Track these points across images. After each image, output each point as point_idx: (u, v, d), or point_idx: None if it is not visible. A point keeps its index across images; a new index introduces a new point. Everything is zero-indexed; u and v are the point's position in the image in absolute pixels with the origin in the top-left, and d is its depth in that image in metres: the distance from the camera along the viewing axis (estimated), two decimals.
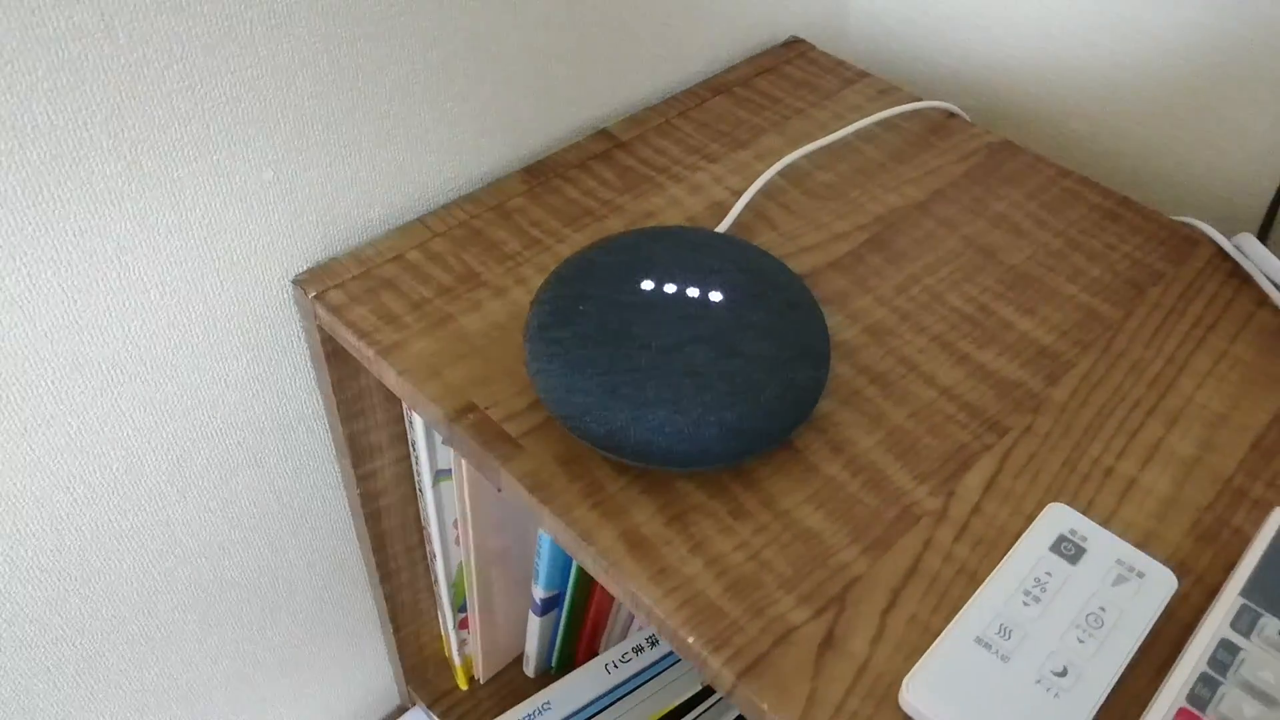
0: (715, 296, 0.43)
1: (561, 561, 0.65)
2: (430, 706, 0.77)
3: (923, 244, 0.54)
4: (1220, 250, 0.55)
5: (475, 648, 0.75)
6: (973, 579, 0.40)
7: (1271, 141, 0.59)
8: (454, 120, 0.53)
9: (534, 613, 0.72)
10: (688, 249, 0.45)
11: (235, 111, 0.44)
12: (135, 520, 0.53)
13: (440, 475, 0.61)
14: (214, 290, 0.49)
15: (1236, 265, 0.54)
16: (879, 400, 0.46)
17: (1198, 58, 0.59)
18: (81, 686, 0.57)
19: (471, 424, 0.44)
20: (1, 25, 0.36)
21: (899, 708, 0.36)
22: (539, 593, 0.69)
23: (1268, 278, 0.52)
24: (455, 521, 0.65)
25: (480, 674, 0.78)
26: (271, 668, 0.68)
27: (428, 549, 0.68)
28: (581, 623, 0.73)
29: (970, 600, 0.38)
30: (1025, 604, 0.38)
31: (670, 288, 0.43)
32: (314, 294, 0.50)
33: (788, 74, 0.67)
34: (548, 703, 0.58)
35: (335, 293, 0.50)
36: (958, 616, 0.38)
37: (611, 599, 0.71)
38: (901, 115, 0.64)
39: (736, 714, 0.63)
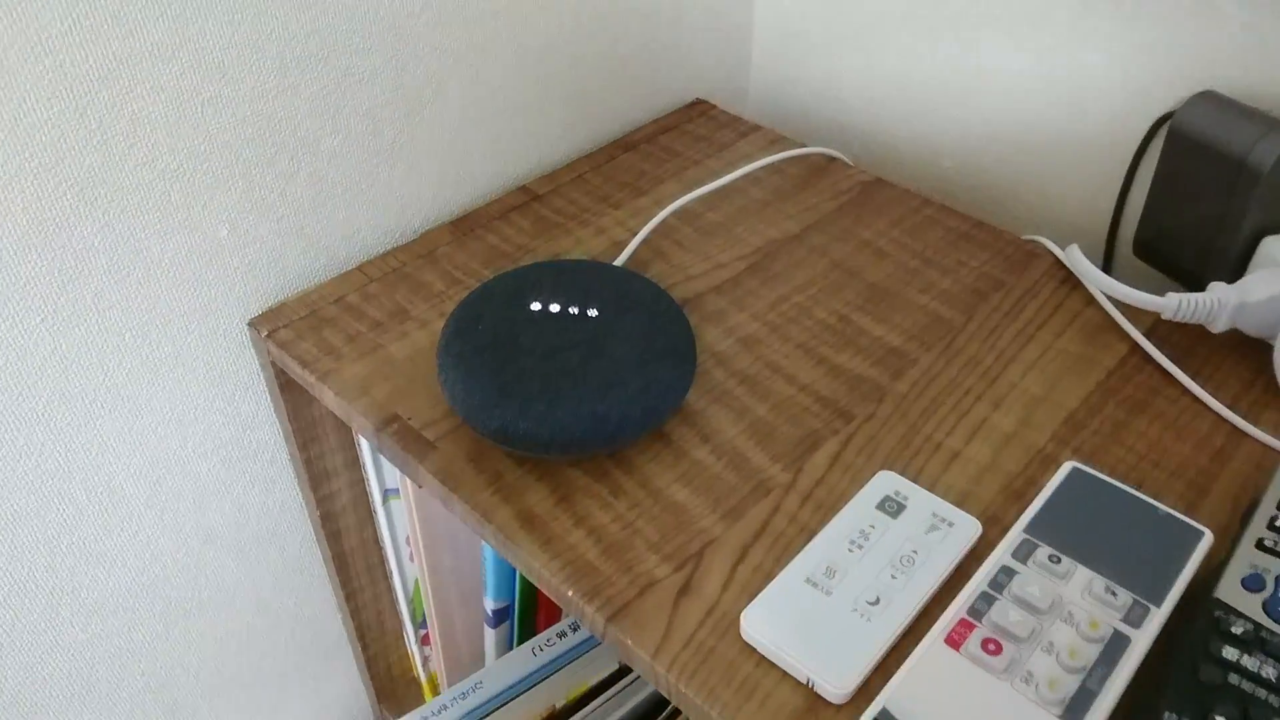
0: (591, 312, 0.51)
1: (507, 571, 0.72)
2: None
3: (795, 268, 0.63)
4: (1058, 261, 0.64)
5: (439, 663, 0.82)
6: (812, 536, 0.47)
7: (1104, 168, 0.67)
8: (386, 183, 0.63)
9: (488, 625, 0.79)
10: (571, 277, 0.53)
11: (192, 179, 0.53)
12: (118, 539, 0.61)
13: (389, 494, 0.69)
14: (180, 332, 0.57)
15: (1070, 273, 0.63)
16: (745, 397, 0.54)
17: (1039, 98, 0.69)
18: (74, 695, 0.64)
19: (395, 432, 0.52)
20: (1, 121, 0.45)
21: (739, 637, 0.43)
22: (489, 604, 0.76)
23: (1091, 282, 0.61)
24: (408, 538, 0.72)
25: (446, 689, 0.84)
26: (251, 684, 0.75)
27: (386, 567, 0.75)
28: (533, 631, 0.80)
29: (803, 549, 0.46)
30: (850, 550, 0.45)
31: (554, 307, 0.51)
32: (266, 333, 0.58)
33: (689, 130, 0.77)
34: (479, 682, 0.65)
35: (284, 331, 0.58)
36: (791, 562, 0.45)
37: (559, 606, 0.78)
38: (786, 161, 0.73)
39: (650, 689, 0.70)
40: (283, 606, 0.74)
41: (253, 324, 0.59)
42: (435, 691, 0.85)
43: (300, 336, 0.58)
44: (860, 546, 0.45)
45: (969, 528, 0.46)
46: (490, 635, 0.80)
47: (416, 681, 0.86)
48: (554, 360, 0.48)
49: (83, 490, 0.57)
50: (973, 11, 0.69)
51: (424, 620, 0.79)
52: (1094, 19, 0.64)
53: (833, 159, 0.73)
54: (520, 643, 0.81)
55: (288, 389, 0.61)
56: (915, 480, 0.50)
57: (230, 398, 0.62)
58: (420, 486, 0.53)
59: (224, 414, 0.62)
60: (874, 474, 0.50)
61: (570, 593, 0.45)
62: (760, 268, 0.63)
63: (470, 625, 0.80)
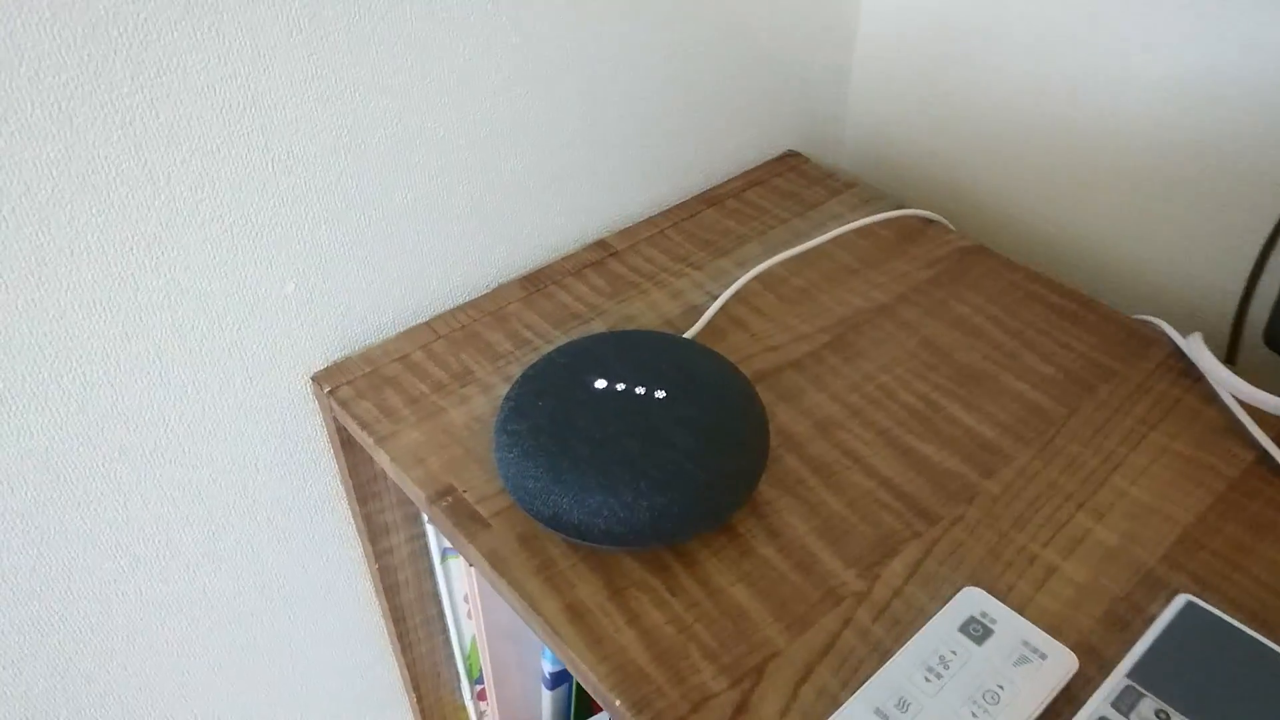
0: (658, 394, 0.48)
1: None
2: None
3: (881, 345, 0.59)
4: (1176, 349, 0.58)
5: (494, 718, 0.79)
6: (884, 656, 0.43)
7: (1233, 243, 0.61)
8: (457, 237, 0.61)
9: (545, 687, 0.76)
10: (640, 351, 0.50)
11: (258, 236, 0.52)
12: (174, 588, 0.60)
13: (448, 553, 0.67)
14: (242, 386, 0.56)
15: (1189, 364, 0.57)
16: (819, 489, 0.50)
17: (1161, 163, 0.63)
18: None
19: (448, 505, 0.50)
20: (66, 177, 0.45)
21: None
22: (547, 667, 0.73)
23: (1215, 378, 0.55)
24: (466, 596, 0.70)
25: None
26: None
27: (443, 622, 0.74)
28: (591, 696, 0.77)
29: (874, 674, 0.42)
30: (927, 679, 0.41)
31: (619, 386, 0.48)
32: (328, 389, 0.57)
33: (777, 186, 0.73)
34: None
35: (346, 389, 0.57)
36: (861, 689, 0.41)
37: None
38: (879, 223, 0.68)
39: None
40: (338, 656, 0.73)
41: (315, 379, 0.58)
42: None
43: (361, 395, 0.57)
44: (939, 676, 0.41)
45: (1063, 662, 0.41)
46: (547, 697, 0.77)
47: None
48: (613, 448, 0.45)
49: (140, 541, 0.57)
50: (1089, 66, 0.64)
51: (480, 677, 0.77)
52: (1226, 76, 0.58)
53: (930, 221, 0.69)
54: (578, 708, 0.78)
55: (348, 445, 0.59)
56: (1004, 599, 0.45)
57: (291, 451, 0.61)
58: (470, 565, 0.50)
59: (284, 467, 0.61)
60: (958, 589, 0.46)
61: (618, 702, 0.42)
62: (844, 342, 0.59)
63: (527, 686, 0.78)
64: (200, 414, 0.55)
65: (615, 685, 0.42)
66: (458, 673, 0.78)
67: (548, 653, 0.71)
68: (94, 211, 0.46)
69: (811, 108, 0.78)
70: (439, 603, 0.73)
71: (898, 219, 0.69)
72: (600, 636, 0.44)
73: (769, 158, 0.77)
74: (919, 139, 0.77)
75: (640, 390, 0.48)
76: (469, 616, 0.71)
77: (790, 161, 0.76)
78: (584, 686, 0.44)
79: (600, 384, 0.49)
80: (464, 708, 0.82)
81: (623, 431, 0.46)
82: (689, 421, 0.47)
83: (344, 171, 0.54)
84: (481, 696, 0.79)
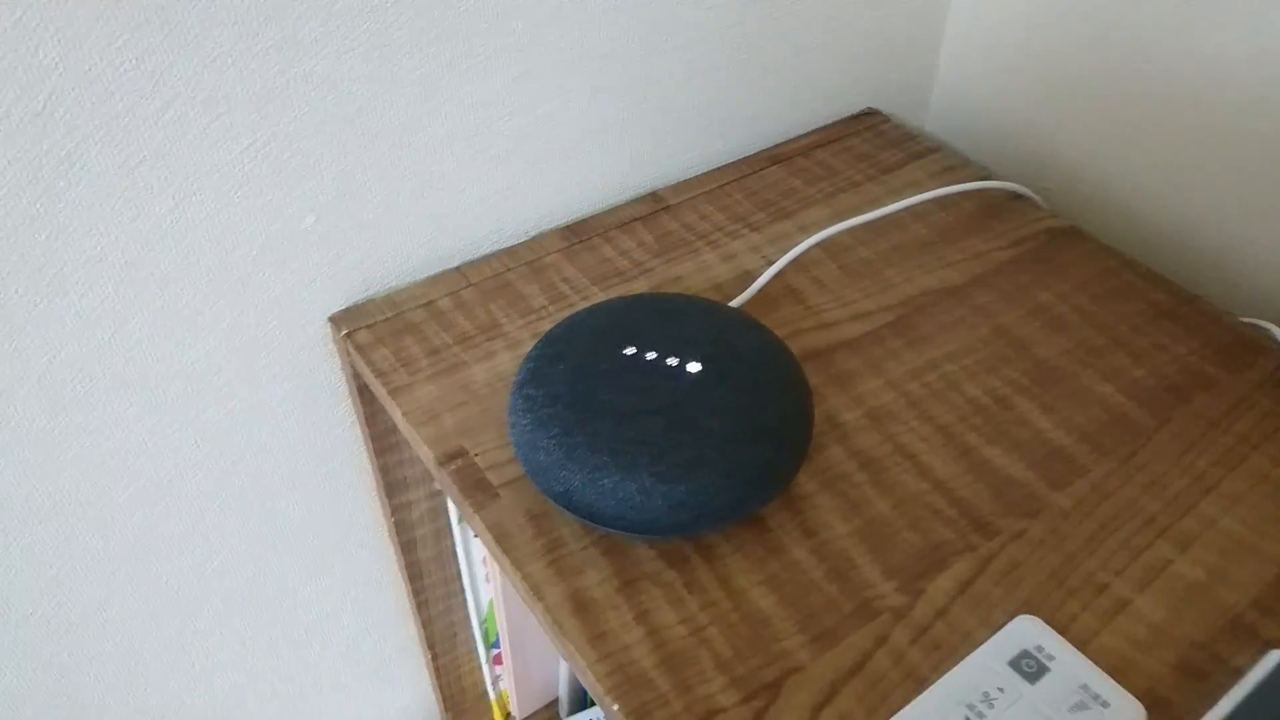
0: (692, 366, 0.43)
1: None
2: None
3: (949, 330, 0.53)
4: None
5: (510, 684, 0.77)
6: (920, 685, 0.38)
7: None
8: (495, 178, 0.56)
9: (563, 658, 0.73)
10: (678, 318, 0.45)
11: (277, 163, 0.48)
12: (177, 528, 0.57)
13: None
14: (254, 323, 0.53)
15: None
16: (865, 486, 0.45)
17: None
18: (123, 683, 0.61)
19: (457, 469, 0.46)
20: (63, 84, 0.41)
21: None
22: None
23: None
24: (484, 559, 0.67)
25: (516, 711, 0.79)
26: (309, 685, 0.72)
27: (461, 582, 0.70)
28: None
29: (907, 705, 0.37)
30: (967, 718, 0.36)
31: (649, 355, 0.43)
32: (345, 332, 0.53)
33: (852, 146, 0.67)
34: None
35: (364, 333, 0.53)
36: None
37: None
38: (961, 194, 0.62)
39: None
40: (350, 611, 0.70)
41: (333, 320, 0.54)
42: (505, 711, 0.80)
43: (380, 341, 0.53)
44: (981, 716, 0.36)
45: (1129, 714, 0.36)
46: (564, 667, 0.74)
47: (485, 698, 0.81)
48: (634, 425, 0.41)
49: (142, 477, 0.54)
50: (1217, 36, 0.56)
51: (497, 641, 0.74)
52: None
53: (1018, 196, 0.62)
54: None
55: (365, 393, 0.56)
56: (1064, 632, 0.40)
57: (306, 395, 0.57)
58: (475, 535, 0.46)
59: (299, 412, 0.58)
60: (1012, 615, 0.40)
61: (615, 706, 0.38)
62: (908, 324, 0.53)
63: (544, 655, 0.74)
64: (208, 350, 0.52)
65: (614, 688, 0.38)
66: (474, 636, 0.75)
67: None
68: (94, 124, 0.43)
69: (897, 62, 0.71)
70: (457, 563, 0.70)
71: (982, 191, 0.62)
72: (604, 632, 0.40)
73: (845, 115, 0.71)
74: (1014, 105, 0.69)
75: (672, 361, 0.43)
76: (487, 580, 0.68)
77: (868, 120, 0.70)
78: (581, 684, 0.40)
79: (629, 350, 0.44)
80: (479, 671, 0.79)
81: (646, 407, 0.41)
82: (720, 401, 0.42)
83: (373, 97, 0.49)
84: (498, 661, 0.76)
